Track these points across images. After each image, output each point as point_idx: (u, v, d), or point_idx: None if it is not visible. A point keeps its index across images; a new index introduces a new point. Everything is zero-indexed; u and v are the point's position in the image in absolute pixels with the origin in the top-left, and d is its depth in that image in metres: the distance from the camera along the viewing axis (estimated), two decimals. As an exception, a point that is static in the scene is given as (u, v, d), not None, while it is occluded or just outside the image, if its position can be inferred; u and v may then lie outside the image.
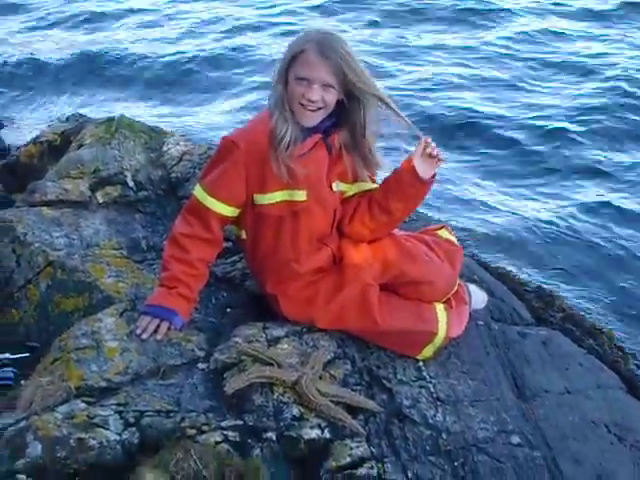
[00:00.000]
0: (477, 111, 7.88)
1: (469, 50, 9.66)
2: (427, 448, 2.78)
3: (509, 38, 10.03)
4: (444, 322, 3.15)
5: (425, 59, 9.42)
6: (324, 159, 3.02)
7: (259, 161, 2.92)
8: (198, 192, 3.02)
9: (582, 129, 7.49)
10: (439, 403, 2.98)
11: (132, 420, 2.54)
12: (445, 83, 8.62)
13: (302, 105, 2.87)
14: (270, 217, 3.03)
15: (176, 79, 9.02)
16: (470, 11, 11.00)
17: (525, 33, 10.20)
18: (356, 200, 3.17)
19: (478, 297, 3.56)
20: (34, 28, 10.99)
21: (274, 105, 2.92)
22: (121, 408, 2.57)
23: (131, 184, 4.04)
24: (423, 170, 3.03)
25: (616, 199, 6.37)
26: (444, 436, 2.84)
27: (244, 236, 3.15)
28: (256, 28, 10.65)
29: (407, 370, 3.09)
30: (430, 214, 5.36)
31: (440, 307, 3.19)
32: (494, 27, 10.51)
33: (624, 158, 7.00)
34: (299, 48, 2.82)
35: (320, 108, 2.89)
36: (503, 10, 11.09)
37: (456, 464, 2.76)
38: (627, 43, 9.91)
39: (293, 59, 2.84)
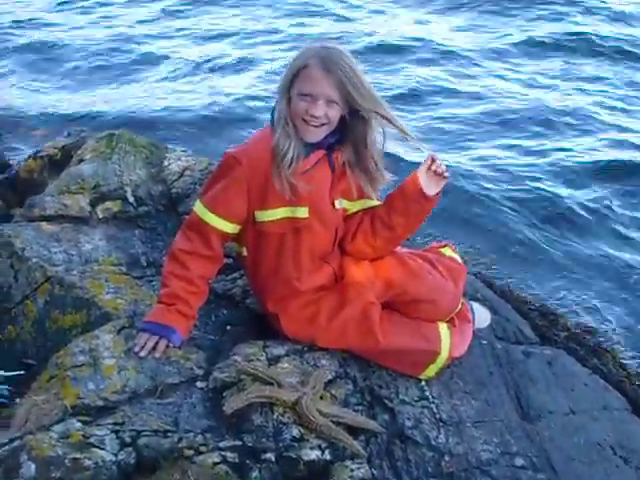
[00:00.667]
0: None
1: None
2: (429, 470, 2.74)
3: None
4: (447, 341, 3.11)
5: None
6: (327, 176, 2.99)
7: (261, 177, 2.89)
8: (198, 208, 2.98)
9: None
10: (442, 424, 2.93)
11: (129, 440, 2.49)
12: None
13: (305, 121, 2.84)
14: (271, 234, 2.99)
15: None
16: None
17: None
18: (359, 217, 3.14)
19: (482, 316, 3.52)
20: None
21: (277, 121, 2.89)
22: (118, 427, 2.53)
23: (131, 199, 4.00)
24: (428, 186, 3.00)
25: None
26: (446, 458, 2.80)
27: (245, 253, 3.11)
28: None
29: (409, 390, 3.05)
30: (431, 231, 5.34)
31: (443, 326, 3.15)
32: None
33: None
34: (302, 63, 2.79)
35: (324, 124, 2.86)
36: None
37: (459, 487, 2.71)
38: None
39: (296, 75, 2.81)
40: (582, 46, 9.62)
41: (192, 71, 9.34)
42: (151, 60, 9.56)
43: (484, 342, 3.46)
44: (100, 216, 3.86)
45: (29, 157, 4.93)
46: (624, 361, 4.35)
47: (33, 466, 2.32)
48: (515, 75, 8.91)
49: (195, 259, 2.96)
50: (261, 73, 9.27)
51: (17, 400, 2.79)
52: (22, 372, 2.99)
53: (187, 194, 4.11)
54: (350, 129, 2.95)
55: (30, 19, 10.94)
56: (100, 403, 2.64)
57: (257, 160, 2.89)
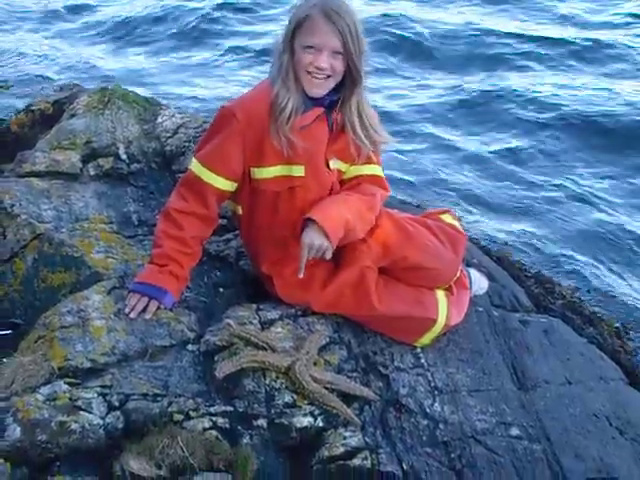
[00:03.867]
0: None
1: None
2: (424, 439, 2.70)
3: None
4: (444, 309, 3.06)
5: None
6: (324, 134, 2.91)
7: (258, 132, 2.81)
8: (194, 165, 2.90)
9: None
10: (437, 392, 2.89)
11: (117, 404, 2.44)
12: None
13: (310, 73, 2.75)
14: (267, 192, 2.92)
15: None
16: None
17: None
18: (355, 183, 3.06)
19: (479, 283, 3.48)
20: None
21: (277, 74, 2.80)
22: (106, 391, 2.48)
23: (124, 156, 3.92)
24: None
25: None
26: (441, 427, 2.76)
27: (240, 212, 3.04)
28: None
29: (404, 357, 3.00)
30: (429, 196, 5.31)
31: (441, 293, 3.09)
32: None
33: None
34: (303, 14, 2.70)
35: (329, 76, 2.77)
36: None
37: (453, 456, 2.68)
38: None
39: (298, 26, 2.72)
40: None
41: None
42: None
43: (480, 309, 3.41)
44: (92, 173, 3.78)
45: (20, 111, 4.83)
46: (619, 330, 4.33)
47: (19, 428, 2.28)
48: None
49: (190, 219, 2.88)
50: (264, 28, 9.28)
51: (3, 360, 2.72)
52: (9, 332, 2.92)
53: (181, 152, 4.02)
54: (347, 88, 2.87)
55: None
56: (88, 365, 2.58)
57: (254, 114, 2.81)
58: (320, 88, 2.80)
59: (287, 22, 2.78)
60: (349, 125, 2.91)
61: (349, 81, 2.83)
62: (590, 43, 9.29)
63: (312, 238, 2.77)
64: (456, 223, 3.31)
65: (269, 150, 2.82)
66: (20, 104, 5.56)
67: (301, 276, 2.79)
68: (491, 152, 6.84)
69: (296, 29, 2.72)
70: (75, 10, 10.61)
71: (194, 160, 2.92)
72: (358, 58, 2.75)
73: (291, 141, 2.78)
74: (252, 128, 2.80)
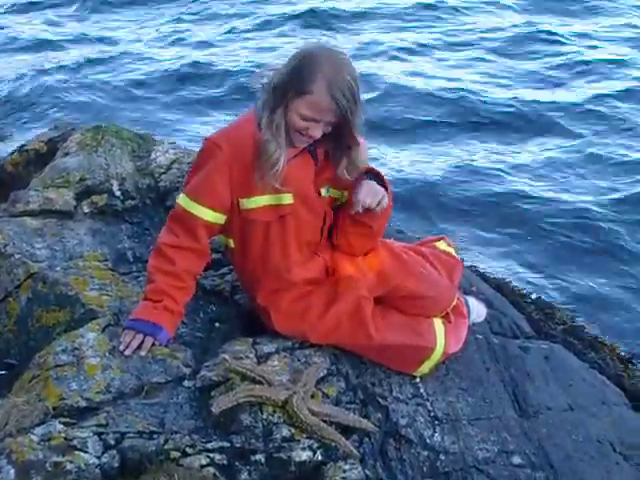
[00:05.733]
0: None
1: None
2: (424, 470, 2.67)
3: None
4: (442, 337, 3.03)
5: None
6: (309, 163, 2.90)
7: (242, 164, 2.79)
8: (182, 199, 2.89)
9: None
10: (437, 422, 2.87)
11: (112, 442, 2.40)
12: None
13: (301, 133, 2.74)
14: (257, 222, 2.89)
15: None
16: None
17: None
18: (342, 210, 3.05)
19: (477, 310, 3.44)
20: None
21: (266, 124, 2.73)
22: (101, 429, 2.43)
23: (118, 193, 3.90)
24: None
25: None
26: (442, 457, 2.73)
27: (232, 245, 3.02)
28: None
29: (403, 387, 2.97)
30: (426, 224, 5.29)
31: (438, 321, 3.07)
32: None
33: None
34: (309, 87, 2.63)
35: None
36: None
37: (454, 486, 2.64)
38: None
39: (299, 93, 2.65)
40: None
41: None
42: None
43: (480, 337, 3.39)
44: (86, 210, 3.76)
45: (14, 151, 4.83)
46: (622, 355, 4.30)
47: (13, 470, 2.24)
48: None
49: (181, 253, 2.86)
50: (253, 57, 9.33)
51: (-2, 401, 2.70)
52: (4, 372, 2.90)
53: (175, 187, 3.99)
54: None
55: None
56: (83, 404, 2.55)
57: (239, 146, 2.79)
58: (305, 144, 2.82)
59: (287, 71, 2.70)
60: (339, 172, 2.90)
61: (343, 144, 2.83)
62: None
63: (368, 188, 2.83)
64: (451, 250, 3.30)
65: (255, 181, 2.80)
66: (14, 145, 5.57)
67: None
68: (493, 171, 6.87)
69: (297, 94, 2.66)
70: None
71: (182, 194, 2.90)
72: (355, 126, 2.74)
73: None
74: (237, 159, 2.78)
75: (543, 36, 10.19)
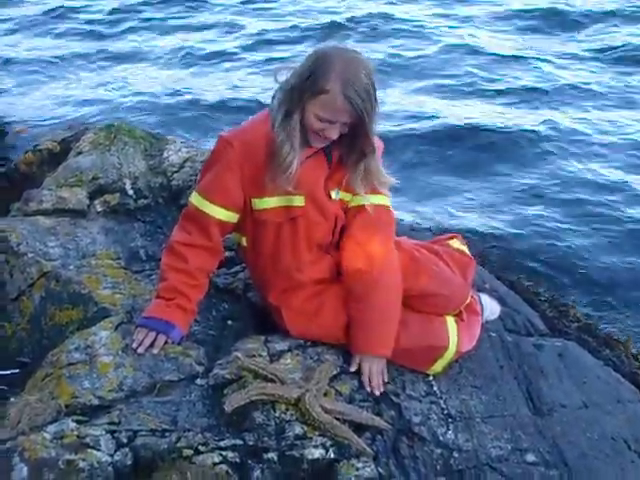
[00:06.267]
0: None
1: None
2: (438, 468, 2.65)
3: None
4: (455, 336, 3.02)
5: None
6: (322, 167, 2.88)
7: (254, 164, 2.78)
8: (194, 198, 2.89)
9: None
10: (450, 420, 2.84)
11: (125, 440, 2.40)
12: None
13: (317, 134, 2.73)
14: (269, 223, 2.89)
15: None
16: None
17: None
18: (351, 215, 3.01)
19: (491, 308, 3.43)
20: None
21: (281, 125, 2.71)
22: (114, 427, 2.43)
23: (130, 192, 3.92)
24: None
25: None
26: (455, 455, 2.71)
27: (245, 243, 3.02)
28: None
29: (416, 385, 2.95)
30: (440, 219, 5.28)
31: (451, 320, 3.05)
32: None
33: None
34: (324, 87, 2.60)
35: None
36: None
37: (468, 484, 2.63)
38: None
39: (315, 94, 2.63)
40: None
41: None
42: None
43: (493, 335, 3.37)
44: (98, 209, 3.78)
45: (28, 151, 4.85)
46: (637, 352, 4.27)
47: (25, 468, 2.23)
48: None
49: (194, 251, 2.86)
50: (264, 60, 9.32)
51: (11, 399, 2.70)
52: (17, 371, 2.90)
53: (188, 186, 4.01)
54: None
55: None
56: (96, 402, 2.55)
57: (251, 145, 2.78)
58: (322, 144, 2.80)
59: (301, 71, 2.67)
60: (351, 179, 2.89)
61: (357, 146, 2.80)
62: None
63: (370, 367, 2.88)
64: (464, 248, 3.28)
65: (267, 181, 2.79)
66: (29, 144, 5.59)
67: None
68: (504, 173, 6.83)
69: (312, 95, 2.64)
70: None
71: (194, 192, 2.90)
72: (370, 128, 2.72)
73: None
74: (249, 158, 2.78)
75: None
